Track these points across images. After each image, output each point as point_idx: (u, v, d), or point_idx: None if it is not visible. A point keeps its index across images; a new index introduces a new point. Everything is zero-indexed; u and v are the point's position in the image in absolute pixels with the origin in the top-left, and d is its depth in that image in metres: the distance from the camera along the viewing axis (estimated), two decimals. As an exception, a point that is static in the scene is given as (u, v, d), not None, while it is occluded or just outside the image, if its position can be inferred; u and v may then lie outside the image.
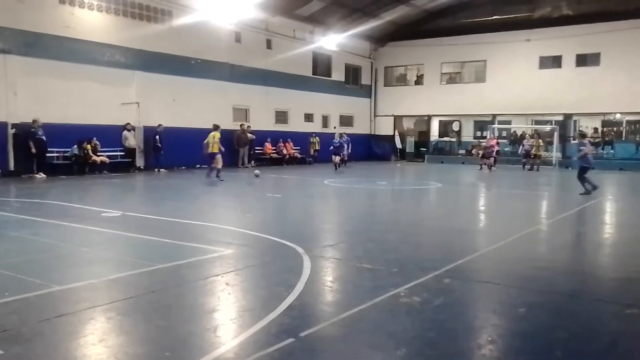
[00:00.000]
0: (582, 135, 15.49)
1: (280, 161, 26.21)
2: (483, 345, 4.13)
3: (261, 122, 25.71)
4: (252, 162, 24.45)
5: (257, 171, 19.40)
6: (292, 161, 26.84)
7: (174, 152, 21.11)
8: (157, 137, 20.68)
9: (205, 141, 16.90)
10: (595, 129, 30.33)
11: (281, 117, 27.81)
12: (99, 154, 18.98)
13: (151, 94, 21.14)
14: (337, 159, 22.99)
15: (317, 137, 28.45)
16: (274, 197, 14.01)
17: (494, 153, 24.79)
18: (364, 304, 4.87)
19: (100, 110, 19.42)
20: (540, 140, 25.29)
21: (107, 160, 19.24)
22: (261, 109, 26.14)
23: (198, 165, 22.56)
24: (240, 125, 24.15)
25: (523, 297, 5.35)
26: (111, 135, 19.70)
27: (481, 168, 24.66)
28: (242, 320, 4.50)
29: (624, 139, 29.17)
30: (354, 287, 5.77)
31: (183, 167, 22.07)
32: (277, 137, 26.53)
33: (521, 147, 26.37)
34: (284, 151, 26.79)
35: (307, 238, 8.14)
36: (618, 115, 29.32)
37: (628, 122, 29.54)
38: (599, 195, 14.29)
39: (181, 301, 5.03)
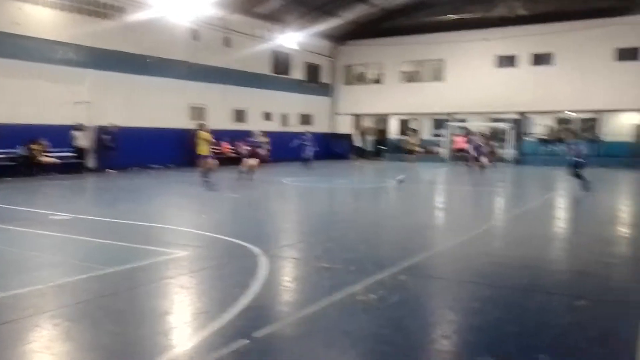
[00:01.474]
0: (574, 135, 16.08)
1: (238, 160, 25.90)
2: (437, 340, 4.16)
3: (219, 121, 25.36)
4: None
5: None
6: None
7: (128, 152, 20.61)
8: (109, 136, 20.14)
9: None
10: (551, 128, 31.16)
11: (239, 115, 27.53)
12: (48, 154, 18.33)
13: (105, 93, 20.58)
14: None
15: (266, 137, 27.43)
16: (231, 197, 13.86)
17: (475, 151, 24.83)
18: (321, 303, 4.85)
19: (51, 110, 18.78)
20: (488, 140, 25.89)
21: (57, 161, 18.60)
22: (219, 108, 25.80)
23: (152, 165, 22.16)
24: (198, 125, 23.74)
25: (477, 292, 5.42)
26: (63, 135, 19.07)
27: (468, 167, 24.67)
28: (196, 323, 4.42)
29: (577, 136, 30.06)
30: (311, 286, 5.75)
31: (137, 167, 21.59)
32: (235, 136, 26.23)
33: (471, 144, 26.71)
34: (242, 150, 26.48)
35: (265, 238, 8.06)
36: (570, 114, 30.21)
37: (580, 120, 30.47)
38: (553, 191, 14.70)
39: (133, 305, 4.91)
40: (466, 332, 4.41)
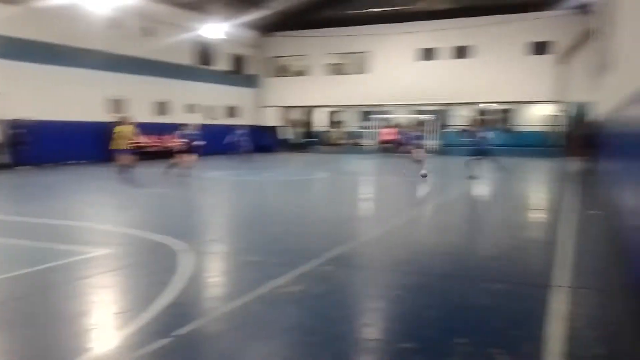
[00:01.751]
0: (480, 123, 16.99)
1: (162, 154, 25.16)
2: (361, 329, 4.22)
3: (140, 114, 24.43)
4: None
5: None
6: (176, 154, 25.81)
7: (44, 147, 19.52)
8: (22, 130, 18.96)
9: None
10: (473, 119, 32.42)
11: (161, 108, 26.70)
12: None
13: (16, 85, 19.33)
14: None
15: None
16: (155, 193, 13.44)
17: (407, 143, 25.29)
18: (245, 297, 4.79)
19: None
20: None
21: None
22: (140, 100, 24.88)
23: (69, 161, 21.14)
24: (121, 118, 22.80)
25: (399, 280, 5.55)
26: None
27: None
28: (115, 323, 4.25)
29: (493, 127, 31.46)
30: (236, 280, 5.68)
31: (52, 163, 20.50)
32: (158, 130, 25.43)
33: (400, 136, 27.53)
34: (168, 144, 25.75)
35: (189, 233, 7.86)
36: (488, 105, 31.57)
37: (497, 111, 31.90)
38: (475, 179, 15.32)
39: (48, 307, 4.65)
40: (389, 319, 4.50)
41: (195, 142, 16.48)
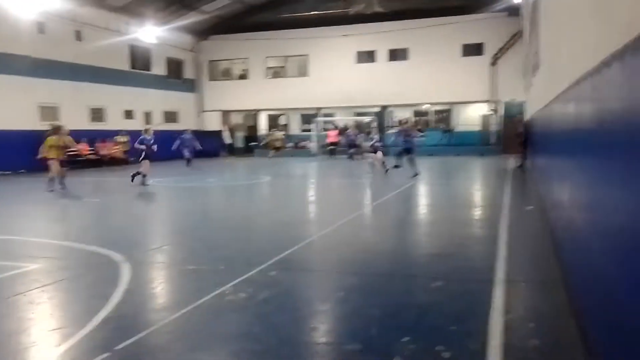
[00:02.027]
0: (400, 123, 17.70)
1: (99, 162, 24.37)
2: (306, 332, 4.22)
3: (74, 121, 23.56)
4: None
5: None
6: (112, 162, 25.05)
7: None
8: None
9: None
10: (407, 119, 33.12)
11: (97, 114, 25.84)
12: None
13: None
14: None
15: (126, 136, 25.06)
16: (91, 202, 12.98)
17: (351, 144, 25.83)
18: (187, 307, 4.69)
19: None
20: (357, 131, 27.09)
21: None
22: (73, 107, 23.97)
23: (4, 172, 20.16)
24: (51, 125, 21.88)
25: (343, 281, 5.59)
26: None
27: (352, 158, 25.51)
28: (49, 341, 4.07)
29: (431, 127, 32.29)
30: (178, 290, 5.56)
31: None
32: (93, 137, 24.60)
33: (345, 138, 27.84)
34: (104, 152, 24.95)
35: (128, 244, 7.63)
36: (426, 106, 32.34)
37: (435, 111, 32.75)
38: (414, 178, 15.66)
39: (-24, 328, 4.38)
40: (333, 321, 4.53)
41: (152, 147, 15.69)
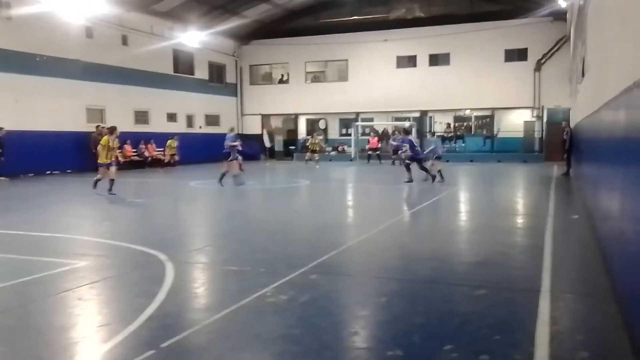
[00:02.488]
0: (406, 132, 17.56)
1: (142, 164, 24.98)
2: (347, 337, 4.21)
3: (119, 123, 24.11)
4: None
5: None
6: (155, 164, 25.66)
7: (20, 157, 19.22)
8: (-4, 141, 18.60)
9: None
10: (448, 124, 32.77)
11: (141, 117, 26.49)
12: None
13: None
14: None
15: (176, 140, 26.21)
16: (135, 203, 13.30)
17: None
18: (230, 307, 4.75)
19: None
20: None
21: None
22: (119, 109, 24.64)
23: (48, 172, 20.86)
24: (97, 127, 22.60)
25: (384, 286, 5.56)
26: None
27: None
28: (97, 337, 4.18)
29: (473, 133, 31.83)
30: (220, 291, 5.63)
31: (31, 174, 20.19)
32: (137, 139, 25.23)
33: (389, 143, 27.58)
34: (146, 153, 25.57)
35: (171, 244, 7.79)
36: (467, 111, 31.93)
37: (476, 117, 32.30)
38: (453, 185, 15.46)
39: (26, 322, 4.55)
40: (374, 326, 4.50)
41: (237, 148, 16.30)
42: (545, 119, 28.73)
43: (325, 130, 34.68)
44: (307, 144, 27.87)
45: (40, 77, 20.81)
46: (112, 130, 14.28)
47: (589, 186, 10.22)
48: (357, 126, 31.27)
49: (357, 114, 32.14)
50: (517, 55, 28.82)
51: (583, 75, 12.85)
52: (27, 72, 20.30)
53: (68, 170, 21.51)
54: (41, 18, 20.44)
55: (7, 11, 19.71)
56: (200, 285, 5.83)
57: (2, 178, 18.54)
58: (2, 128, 18.72)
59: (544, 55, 28.20)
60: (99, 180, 13.96)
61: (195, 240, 8.77)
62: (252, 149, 33.11)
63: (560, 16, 25.09)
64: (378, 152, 28.19)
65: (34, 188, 16.57)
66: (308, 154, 26.66)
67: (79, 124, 22.28)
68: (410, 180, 16.22)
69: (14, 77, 19.86)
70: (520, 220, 10.26)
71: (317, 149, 26.82)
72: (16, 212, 11.48)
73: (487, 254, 7.14)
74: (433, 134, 25.52)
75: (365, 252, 7.40)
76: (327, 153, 31.12)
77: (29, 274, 5.97)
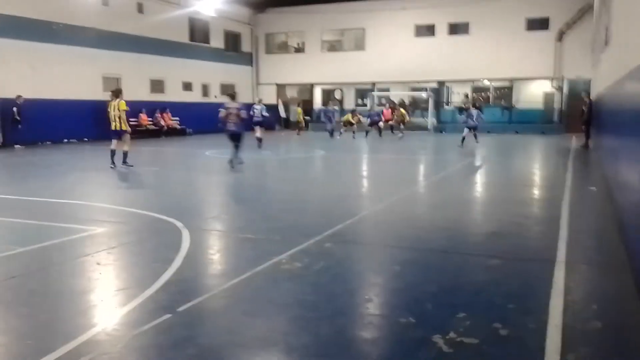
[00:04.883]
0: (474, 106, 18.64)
1: (157, 133, 25.10)
2: (360, 304, 4.25)
3: (135, 92, 24.25)
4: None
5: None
6: (171, 133, 25.77)
7: (38, 126, 19.44)
8: (16, 109, 18.78)
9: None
10: (466, 95, 32.26)
11: (157, 86, 26.49)
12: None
13: (6, 62, 19.13)
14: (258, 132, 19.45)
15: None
16: (151, 171, 13.40)
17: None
18: (245, 274, 4.80)
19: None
20: (402, 110, 26.31)
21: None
22: (135, 78, 24.66)
23: (65, 140, 21.06)
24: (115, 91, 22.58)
25: (398, 255, 5.57)
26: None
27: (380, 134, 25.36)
28: (115, 301, 4.26)
29: (491, 103, 31.38)
30: (235, 258, 5.70)
31: (48, 142, 20.42)
32: (153, 108, 25.30)
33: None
34: (162, 122, 25.66)
35: (187, 212, 7.87)
36: (486, 82, 31.40)
37: (495, 88, 31.77)
38: (470, 156, 15.33)
39: (46, 285, 4.65)
40: (388, 294, 4.54)
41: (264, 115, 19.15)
42: (565, 90, 28.19)
43: (341, 101, 34.33)
44: (346, 119, 26.81)
45: (57, 45, 20.86)
46: (118, 92, 13.18)
47: (608, 158, 10.07)
48: (373, 96, 30.90)
49: (374, 84, 31.80)
50: (538, 24, 28.12)
51: (606, 45, 12.53)
52: (43, 40, 20.35)
53: (85, 139, 21.70)
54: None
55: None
56: (216, 252, 5.90)
57: (17, 146, 18.77)
58: (21, 96, 18.89)
59: (565, 25, 27.49)
60: (127, 152, 13.07)
61: (211, 208, 8.84)
62: (268, 118, 33.04)
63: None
64: (392, 124, 27.33)
65: (52, 156, 16.78)
66: (353, 127, 25.70)
67: (96, 92, 22.36)
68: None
69: (31, 45, 19.93)
70: (537, 192, 10.17)
71: (355, 122, 26.05)
72: (35, 179, 11.66)
73: (502, 224, 7.11)
74: (448, 103, 25.29)
75: (380, 221, 7.41)
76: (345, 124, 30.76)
77: (48, 239, 6.10)
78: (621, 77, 7.13)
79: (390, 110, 26.64)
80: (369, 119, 25.45)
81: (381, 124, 25.42)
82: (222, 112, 12.76)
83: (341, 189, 10.49)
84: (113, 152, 13.09)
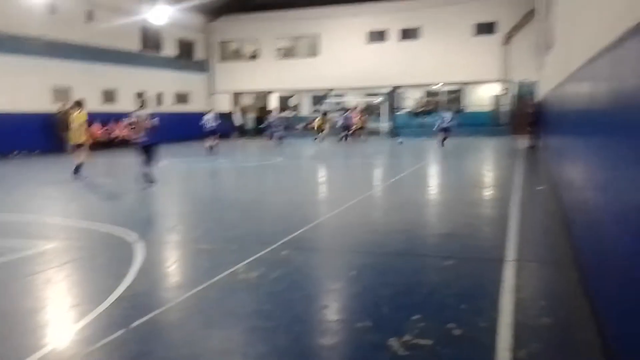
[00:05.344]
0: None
1: (109, 144, 24.47)
2: (317, 310, 4.27)
3: (87, 102, 23.55)
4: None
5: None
6: (125, 143, 25.14)
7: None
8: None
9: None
10: (428, 101, 32.78)
11: (109, 96, 25.89)
12: None
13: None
14: (209, 141, 20.16)
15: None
16: (105, 183, 13.09)
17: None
18: (201, 285, 4.76)
19: None
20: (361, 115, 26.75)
21: None
22: (86, 88, 23.98)
23: (16, 152, 20.35)
24: (63, 105, 21.97)
25: (354, 260, 5.63)
26: None
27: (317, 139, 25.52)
28: (67, 318, 4.16)
29: (443, 107, 31.95)
30: (191, 269, 5.64)
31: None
32: (107, 118, 24.70)
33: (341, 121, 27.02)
34: (116, 132, 25.07)
35: (142, 224, 7.73)
36: (438, 86, 32.03)
37: (447, 92, 32.42)
38: (423, 160, 15.60)
39: (-4, 305, 4.48)
40: (345, 299, 4.57)
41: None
42: (513, 93, 29.06)
43: (296, 107, 34.40)
44: (314, 124, 27.00)
45: (1, 55, 20.12)
46: (79, 103, 13.07)
47: (554, 158, 10.44)
48: (327, 103, 31.07)
49: (329, 90, 31.99)
50: (486, 28, 28.94)
51: (549, 47, 13.01)
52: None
53: (33, 151, 20.99)
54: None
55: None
56: (171, 264, 5.82)
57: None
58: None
59: (512, 29, 28.39)
60: (80, 165, 12.81)
61: (166, 219, 8.71)
62: (223, 127, 32.71)
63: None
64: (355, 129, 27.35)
65: (-1, 170, 16.16)
66: (322, 133, 25.93)
67: (45, 103, 21.66)
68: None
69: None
70: (487, 192, 10.44)
71: (324, 127, 26.21)
72: (-20, 195, 11.19)
73: (455, 225, 7.27)
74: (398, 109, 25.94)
75: (336, 227, 7.46)
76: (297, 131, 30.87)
77: (-5, 258, 5.87)
78: (564, 79, 7.42)
79: (358, 114, 26.80)
80: (343, 122, 25.61)
81: (353, 127, 25.67)
82: (132, 121, 11.47)
83: (298, 195, 10.51)
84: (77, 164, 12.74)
